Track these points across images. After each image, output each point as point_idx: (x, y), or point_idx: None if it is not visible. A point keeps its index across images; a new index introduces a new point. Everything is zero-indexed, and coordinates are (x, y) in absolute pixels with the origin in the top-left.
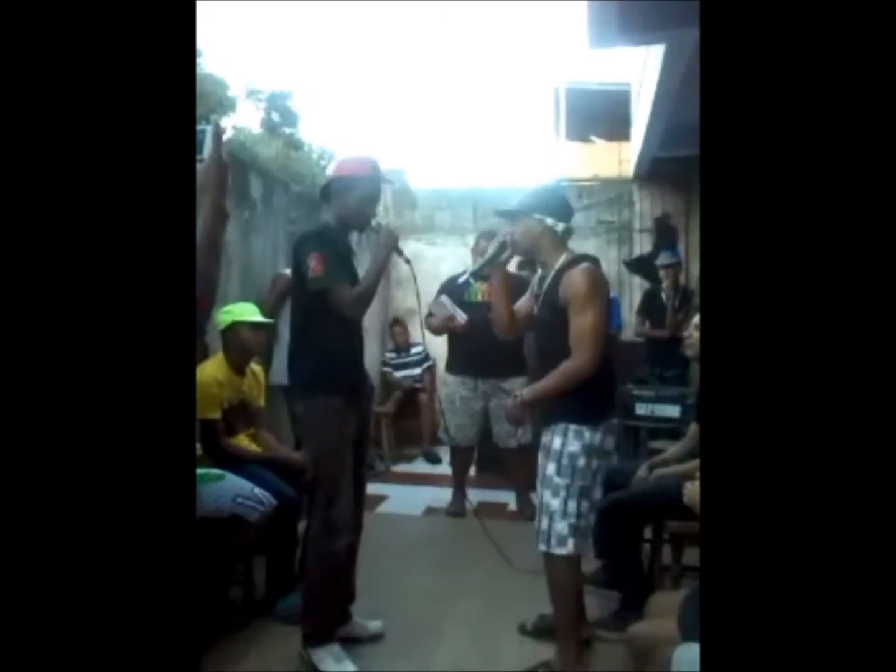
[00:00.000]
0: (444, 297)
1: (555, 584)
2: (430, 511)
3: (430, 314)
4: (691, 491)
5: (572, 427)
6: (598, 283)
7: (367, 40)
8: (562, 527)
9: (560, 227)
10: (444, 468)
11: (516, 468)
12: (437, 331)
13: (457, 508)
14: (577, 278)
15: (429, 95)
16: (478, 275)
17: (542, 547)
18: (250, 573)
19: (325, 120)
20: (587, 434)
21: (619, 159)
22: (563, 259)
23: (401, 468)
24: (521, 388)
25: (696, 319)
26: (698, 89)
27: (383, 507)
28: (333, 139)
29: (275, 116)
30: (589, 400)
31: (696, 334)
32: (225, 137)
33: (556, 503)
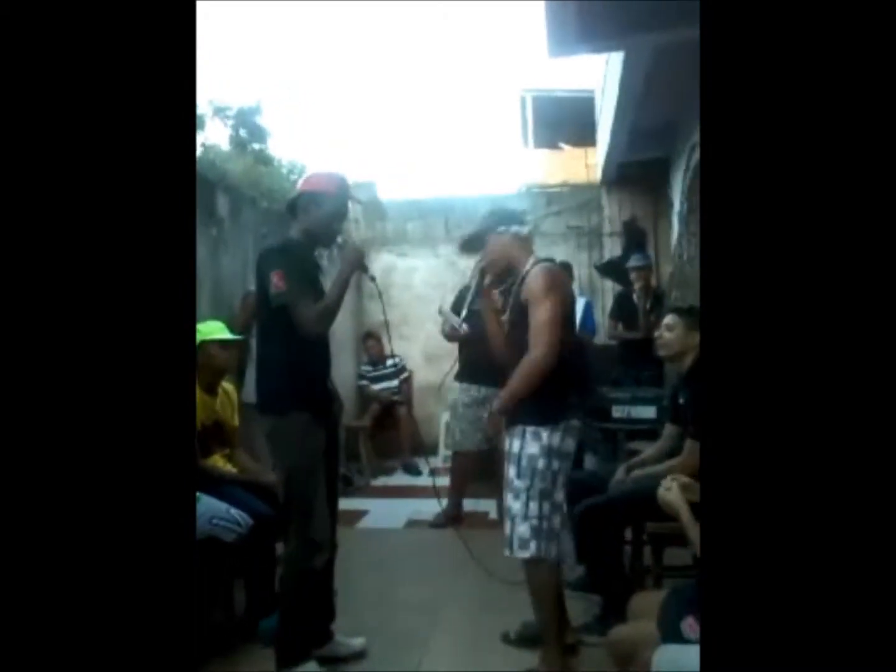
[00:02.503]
0: (444, 307)
1: (531, 588)
2: (411, 523)
3: (444, 321)
4: (662, 494)
5: (529, 429)
6: (553, 280)
7: (331, 53)
8: (523, 529)
9: (524, 230)
10: (425, 480)
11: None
12: (448, 338)
13: (438, 519)
14: (533, 277)
15: (397, 106)
16: (472, 311)
17: (507, 551)
18: (230, 595)
19: (294, 133)
20: (545, 435)
21: (586, 164)
22: (530, 264)
23: (380, 482)
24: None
25: (667, 319)
26: (659, 94)
27: (364, 522)
28: (303, 153)
29: (243, 133)
30: (545, 402)
31: (667, 334)
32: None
33: (517, 506)
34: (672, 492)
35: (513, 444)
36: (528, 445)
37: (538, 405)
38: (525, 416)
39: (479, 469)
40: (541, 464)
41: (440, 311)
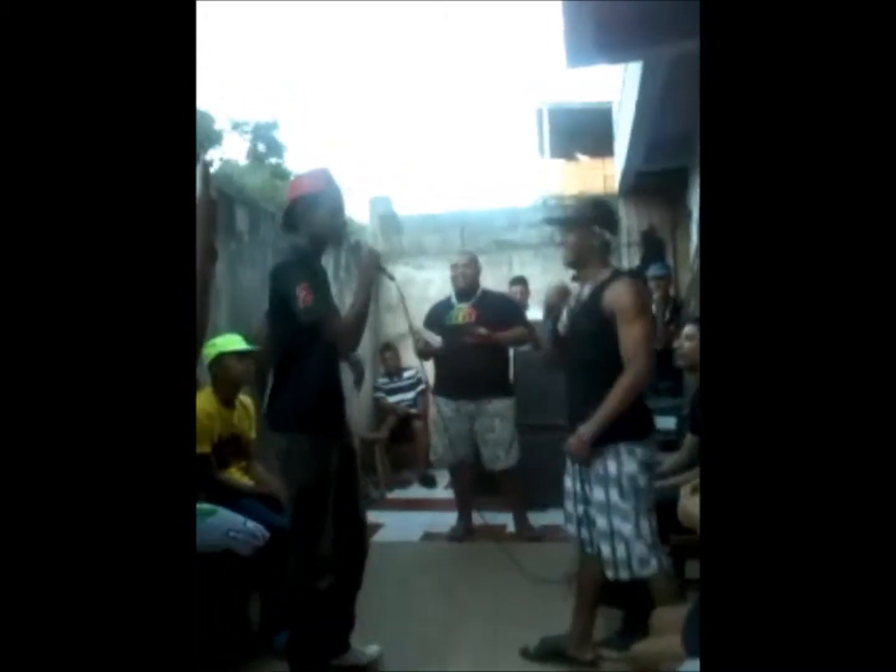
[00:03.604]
0: (415, 325)
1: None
2: (427, 536)
3: (417, 339)
4: (683, 506)
5: (624, 446)
6: (645, 295)
7: (350, 68)
8: (640, 549)
9: (613, 240)
10: (440, 492)
11: (509, 489)
12: (422, 355)
13: (456, 532)
14: (624, 290)
15: (414, 120)
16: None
17: (625, 574)
18: (246, 608)
19: (310, 148)
20: (639, 451)
21: (603, 175)
22: (607, 273)
23: (396, 494)
24: (508, 410)
25: (687, 329)
26: (677, 104)
27: (380, 535)
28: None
29: (261, 147)
30: (637, 416)
31: (687, 344)
32: (212, 170)
33: (628, 528)
34: (695, 502)
35: (608, 466)
36: (626, 464)
37: (633, 420)
38: (617, 433)
39: (478, 481)
40: (641, 481)
41: (410, 330)
